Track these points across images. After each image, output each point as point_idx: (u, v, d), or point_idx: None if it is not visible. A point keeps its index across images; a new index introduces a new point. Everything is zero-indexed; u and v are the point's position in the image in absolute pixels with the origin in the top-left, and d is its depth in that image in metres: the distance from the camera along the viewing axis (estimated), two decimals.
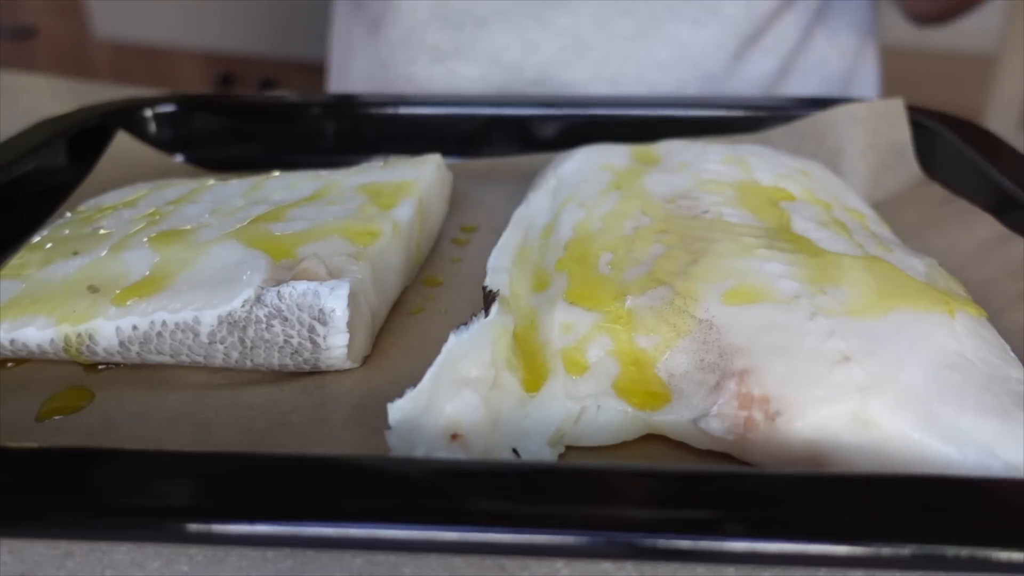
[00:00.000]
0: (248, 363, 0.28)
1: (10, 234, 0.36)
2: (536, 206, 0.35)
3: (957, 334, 0.25)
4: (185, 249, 0.30)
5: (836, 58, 0.61)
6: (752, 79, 0.58)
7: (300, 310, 0.27)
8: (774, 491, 0.19)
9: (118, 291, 0.29)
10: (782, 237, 0.30)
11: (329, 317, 0.27)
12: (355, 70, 0.65)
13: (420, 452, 0.22)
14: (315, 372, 0.29)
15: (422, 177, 0.37)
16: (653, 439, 0.25)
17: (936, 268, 0.30)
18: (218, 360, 0.28)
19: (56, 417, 0.27)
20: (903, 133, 0.41)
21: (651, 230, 0.31)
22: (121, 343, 0.28)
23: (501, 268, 0.30)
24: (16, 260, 0.32)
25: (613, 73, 0.57)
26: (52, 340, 0.28)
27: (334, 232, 0.31)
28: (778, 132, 0.44)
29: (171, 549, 0.21)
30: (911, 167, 0.41)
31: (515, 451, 0.24)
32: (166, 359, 0.28)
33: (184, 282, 0.28)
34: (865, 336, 0.25)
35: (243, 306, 0.27)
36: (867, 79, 0.64)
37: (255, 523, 0.19)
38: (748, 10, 0.56)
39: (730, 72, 0.58)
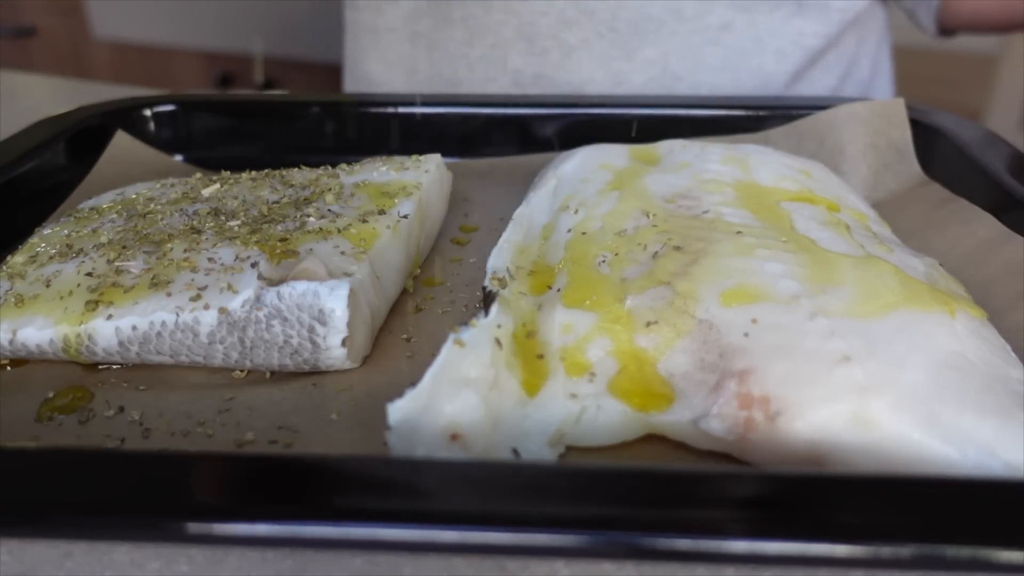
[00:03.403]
0: (248, 363, 0.28)
1: (9, 234, 0.36)
2: (536, 206, 0.35)
3: (958, 334, 0.25)
4: (185, 249, 0.30)
5: (866, 62, 0.62)
6: (815, 94, 0.59)
7: (300, 310, 0.27)
8: (774, 491, 0.19)
9: (117, 291, 0.29)
10: (783, 237, 0.30)
11: (329, 317, 0.27)
12: (414, 85, 0.63)
13: (420, 452, 0.22)
14: (315, 372, 0.29)
15: (422, 177, 0.37)
16: (653, 439, 0.25)
17: (936, 268, 0.29)
18: (218, 360, 0.28)
19: (56, 417, 0.27)
20: (903, 133, 0.41)
21: (651, 230, 0.31)
22: (121, 343, 0.28)
23: (501, 268, 0.30)
24: (15, 260, 0.32)
25: None
26: (52, 340, 0.28)
27: (334, 232, 0.31)
28: (778, 132, 0.44)
29: (171, 549, 0.21)
30: (911, 167, 0.41)
31: (515, 451, 0.24)
32: (166, 359, 0.28)
33: (183, 282, 0.28)
34: (865, 336, 0.25)
35: (243, 306, 0.27)
36: (885, 80, 0.65)
37: (255, 523, 0.19)
38: (826, 38, 0.57)
39: (798, 92, 0.59)
